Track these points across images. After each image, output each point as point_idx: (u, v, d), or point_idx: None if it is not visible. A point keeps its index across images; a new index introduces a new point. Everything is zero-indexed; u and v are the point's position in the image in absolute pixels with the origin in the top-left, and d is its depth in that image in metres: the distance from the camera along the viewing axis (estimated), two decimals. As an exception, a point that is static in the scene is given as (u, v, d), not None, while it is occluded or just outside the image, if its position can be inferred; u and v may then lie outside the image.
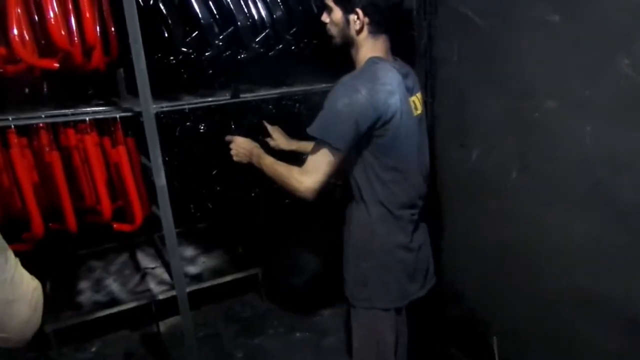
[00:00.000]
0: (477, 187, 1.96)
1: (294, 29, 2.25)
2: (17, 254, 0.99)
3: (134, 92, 1.86)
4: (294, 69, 2.43)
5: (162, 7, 2.02)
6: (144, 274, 2.91)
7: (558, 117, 1.59)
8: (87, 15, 1.85)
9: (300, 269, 3.10)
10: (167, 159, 2.27)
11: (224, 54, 2.14)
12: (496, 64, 1.78)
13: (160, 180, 1.85)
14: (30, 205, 1.92)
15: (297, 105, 2.56)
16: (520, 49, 1.67)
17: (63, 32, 1.80)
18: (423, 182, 1.77)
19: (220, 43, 2.09)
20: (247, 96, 2.17)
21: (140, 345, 2.65)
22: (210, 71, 2.24)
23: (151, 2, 2.03)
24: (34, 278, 1.02)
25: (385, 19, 1.62)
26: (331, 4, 1.63)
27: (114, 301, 2.63)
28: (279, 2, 2.22)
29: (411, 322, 1.97)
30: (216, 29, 2.09)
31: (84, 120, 1.99)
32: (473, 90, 1.91)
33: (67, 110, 1.95)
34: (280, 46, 2.23)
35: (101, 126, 2.10)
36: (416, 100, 1.72)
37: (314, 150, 1.58)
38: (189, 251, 3.19)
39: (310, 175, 1.57)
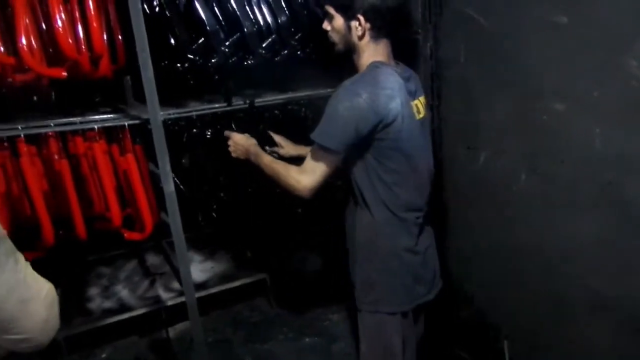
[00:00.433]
0: (485, 189, 1.95)
1: (300, 34, 2.25)
2: (27, 261, 1.01)
3: (141, 99, 1.87)
4: (300, 74, 2.43)
5: (168, 14, 2.03)
6: (152, 280, 2.92)
7: (566, 119, 1.58)
8: (94, 24, 1.86)
9: (308, 273, 3.11)
10: (184, 162, 2.31)
11: (230, 60, 2.14)
12: (503, 65, 1.77)
13: (169, 186, 1.86)
14: (41, 213, 1.93)
15: (303, 110, 2.55)
16: (527, 50, 1.67)
17: (71, 41, 1.82)
18: (427, 185, 1.76)
19: (227, 49, 2.10)
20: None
21: (149, 351, 2.66)
22: (217, 77, 2.24)
23: (157, 9, 2.04)
24: (46, 280, 1.04)
25: (387, 23, 1.62)
26: (332, 11, 1.64)
27: (123, 307, 2.64)
28: (284, 8, 2.22)
29: (421, 326, 1.96)
30: (222, 35, 2.10)
31: (93, 129, 2.00)
32: (480, 92, 1.91)
33: (75, 119, 1.96)
34: (286, 51, 2.23)
35: (109, 134, 2.11)
36: (419, 103, 1.72)
37: (313, 151, 1.63)
38: (198, 257, 3.20)
39: (307, 175, 1.62)
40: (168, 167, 1.84)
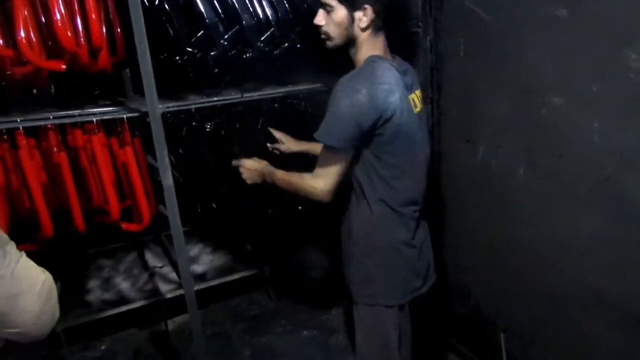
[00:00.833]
0: (483, 183, 1.95)
1: (299, 28, 2.25)
2: (27, 254, 0.99)
3: (140, 92, 1.87)
4: (299, 68, 2.42)
5: (167, 7, 2.03)
6: (152, 273, 2.93)
7: (565, 113, 1.58)
8: (93, 16, 1.86)
9: (307, 266, 3.12)
10: (173, 158, 2.28)
11: (230, 53, 2.14)
12: (503, 59, 1.77)
13: (167, 180, 1.86)
14: (39, 206, 1.93)
15: (303, 103, 2.55)
16: (527, 44, 1.66)
17: (70, 34, 1.81)
18: (424, 179, 1.76)
19: (226, 42, 2.10)
20: (252, 95, 2.18)
21: (148, 344, 2.67)
22: (216, 70, 2.24)
23: (156, 2, 2.04)
24: (44, 270, 1.02)
25: (390, 13, 1.61)
26: (334, 2, 1.60)
27: (122, 300, 2.65)
28: (283, 1, 2.21)
29: (416, 319, 1.97)
30: (221, 29, 2.10)
31: (92, 121, 2.00)
32: (479, 86, 1.90)
33: (74, 111, 1.96)
34: (286, 45, 2.23)
35: (108, 127, 2.11)
36: (415, 97, 1.71)
37: (321, 154, 1.62)
38: (197, 250, 3.21)
39: (321, 178, 1.62)
40: (166, 160, 1.84)
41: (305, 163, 2.26)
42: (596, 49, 1.45)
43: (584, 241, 1.60)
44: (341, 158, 1.58)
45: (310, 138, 2.05)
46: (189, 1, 2.05)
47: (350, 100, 1.51)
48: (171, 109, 2.05)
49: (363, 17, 1.58)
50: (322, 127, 1.58)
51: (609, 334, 1.58)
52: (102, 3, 1.94)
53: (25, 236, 2.03)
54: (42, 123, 1.92)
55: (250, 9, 2.15)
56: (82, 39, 1.87)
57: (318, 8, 1.66)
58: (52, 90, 2.47)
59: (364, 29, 1.60)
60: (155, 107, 1.78)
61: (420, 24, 2.07)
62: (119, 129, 2.11)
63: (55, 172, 2.03)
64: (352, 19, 1.60)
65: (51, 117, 1.90)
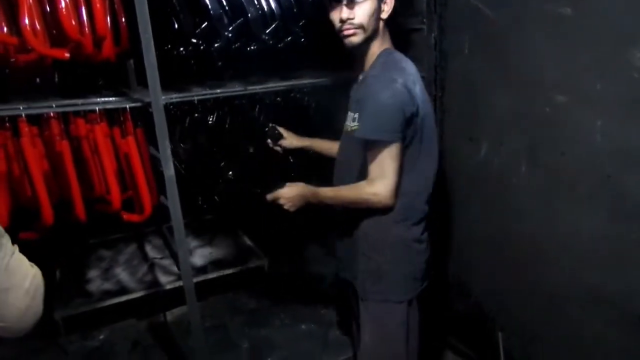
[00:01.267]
0: (485, 181, 1.95)
1: (304, 21, 2.24)
2: (27, 242, 0.99)
3: (143, 83, 1.87)
4: (303, 62, 2.42)
5: (172, -2, 2.03)
6: (151, 264, 2.94)
7: (568, 111, 1.58)
8: (98, 5, 1.85)
9: (306, 260, 3.12)
10: (181, 147, 2.29)
11: (234, 46, 2.14)
12: (507, 57, 1.77)
13: (169, 170, 1.86)
14: (40, 194, 1.93)
15: (306, 98, 2.55)
16: (532, 41, 1.66)
17: (74, 22, 1.81)
18: (435, 174, 1.75)
19: (230, 34, 2.09)
20: (255, 88, 2.17)
21: (147, 334, 2.67)
22: (220, 63, 2.24)
23: (161, -8, 2.04)
24: (33, 265, 1.01)
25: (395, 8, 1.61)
26: None
27: (122, 290, 2.66)
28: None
29: (421, 314, 1.96)
30: (226, 20, 2.09)
31: (94, 110, 2.00)
32: (483, 83, 1.90)
33: (77, 100, 1.96)
34: (290, 38, 2.22)
35: (111, 117, 2.11)
36: None
37: (372, 155, 1.54)
38: (197, 242, 3.22)
39: (379, 181, 1.55)
40: (169, 151, 1.83)
41: (306, 160, 2.26)
42: (600, 48, 1.45)
43: (585, 239, 1.60)
44: (395, 153, 1.52)
45: (313, 133, 2.05)
46: (194, -8, 2.05)
47: (391, 91, 1.49)
48: (174, 100, 2.04)
49: (384, 7, 1.58)
50: (366, 124, 1.52)
51: (608, 332, 1.59)
52: (107, -8, 1.93)
53: (26, 224, 2.03)
54: (44, 111, 1.92)
55: (255, 1, 2.15)
56: (86, 28, 1.87)
57: (334, 3, 1.58)
58: (56, 79, 2.46)
59: (384, 20, 1.59)
60: (158, 97, 1.78)
61: (424, 20, 2.07)
62: (122, 119, 2.11)
63: (57, 161, 2.03)
64: (379, 10, 1.57)
65: (54, 105, 1.90)
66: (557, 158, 1.63)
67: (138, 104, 1.98)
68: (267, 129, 2.09)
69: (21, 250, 0.99)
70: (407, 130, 1.54)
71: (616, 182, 1.47)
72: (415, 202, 1.66)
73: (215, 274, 2.82)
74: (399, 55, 1.60)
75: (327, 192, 1.65)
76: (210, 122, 2.47)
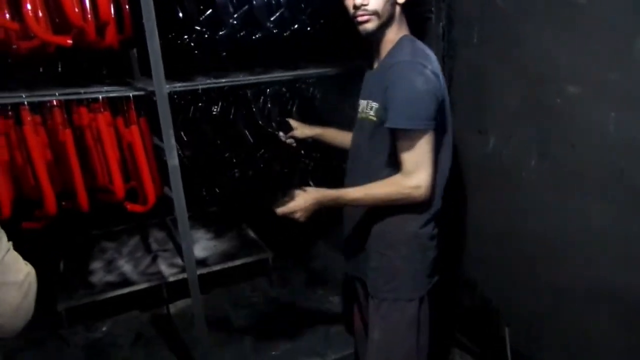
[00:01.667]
0: (494, 174, 1.92)
1: (310, 9, 2.21)
2: (30, 232, 0.97)
3: (147, 73, 1.85)
4: (309, 51, 2.39)
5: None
6: (155, 256, 2.93)
7: (580, 102, 1.54)
8: (101, -9, 1.83)
9: (310, 254, 3.10)
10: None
11: (239, 34, 2.11)
12: (517, 47, 1.73)
13: (173, 160, 1.84)
14: (43, 183, 1.92)
15: (311, 88, 2.52)
16: (543, 31, 1.62)
17: (77, 9, 1.79)
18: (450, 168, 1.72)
19: (235, 22, 2.06)
20: (261, 77, 2.14)
21: (150, 326, 2.67)
22: (224, 52, 2.21)
23: (165, -21, 2.01)
24: (27, 263, 1.00)
25: None
26: None
27: (125, 282, 2.66)
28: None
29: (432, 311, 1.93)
30: (231, 8, 2.06)
31: (97, 99, 1.98)
32: (492, 74, 1.86)
33: (80, 89, 1.94)
34: (296, 26, 2.19)
35: (114, 106, 2.09)
36: None
37: (407, 145, 1.48)
38: (200, 234, 3.21)
39: (418, 173, 1.49)
40: (172, 140, 1.81)
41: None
42: (614, 37, 1.41)
43: (596, 234, 1.57)
44: (430, 141, 1.47)
45: (319, 122, 2.01)
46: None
47: (423, 77, 1.46)
48: (178, 89, 2.02)
49: None
50: (399, 113, 1.46)
51: (616, 328, 1.55)
52: (111, -21, 1.91)
53: (29, 214, 2.02)
54: (47, 99, 1.90)
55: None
56: (89, 14, 1.84)
57: None
58: (59, 69, 2.45)
59: (401, 5, 1.56)
60: (162, 85, 1.75)
61: (433, 9, 2.03)
62: (125, 108, 2.08)
63: (60, 150, 2.02)
64: None
65: (57, 93, 1.88)
66: (569, 151, 1.59)
67: (142, 93, 1.96)
68: (279, 122, 2.06)
69: (24, 241, 0.98)
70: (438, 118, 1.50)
71: (629, 176, 1.43)
72: (434, 197, 1.61)
73: (219, 267, 2.82)
74: (419, 43, 1.56)
75: (355, 194, 1.56)
76: (214, 113, 2.44)
